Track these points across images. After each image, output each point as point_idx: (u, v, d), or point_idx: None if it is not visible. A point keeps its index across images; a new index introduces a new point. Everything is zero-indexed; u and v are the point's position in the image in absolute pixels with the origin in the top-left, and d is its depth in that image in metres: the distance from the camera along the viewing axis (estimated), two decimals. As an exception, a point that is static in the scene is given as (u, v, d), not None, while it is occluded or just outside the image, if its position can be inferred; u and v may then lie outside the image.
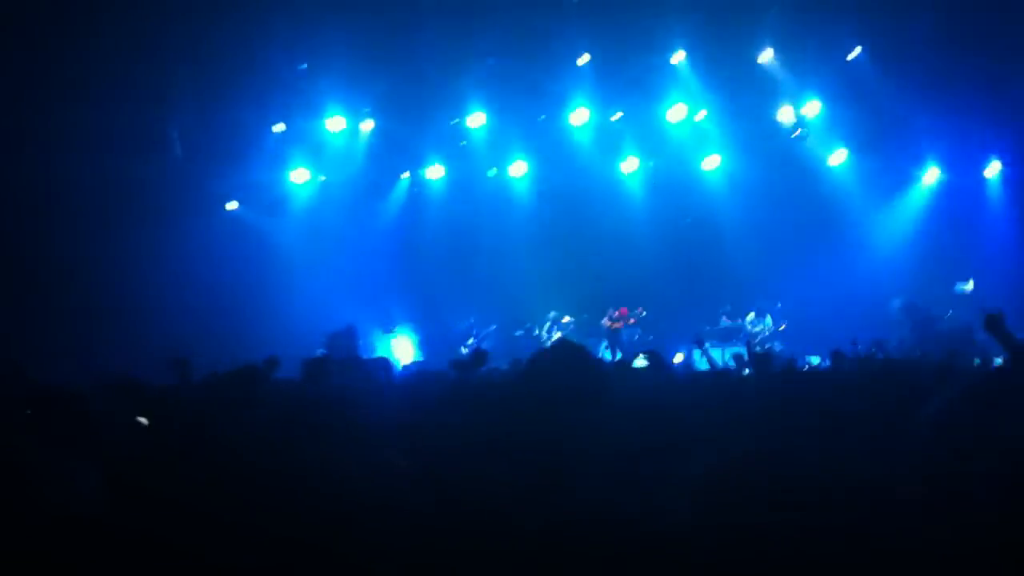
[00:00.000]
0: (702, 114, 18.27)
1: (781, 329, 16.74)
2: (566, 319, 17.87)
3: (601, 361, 2.96)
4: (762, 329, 16.80)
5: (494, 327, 17.90)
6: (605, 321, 17.65)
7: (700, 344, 9.93)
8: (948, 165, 18.05)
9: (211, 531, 2.32)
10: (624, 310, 17.66)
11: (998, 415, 3.07)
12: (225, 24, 15.60)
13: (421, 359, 16.11)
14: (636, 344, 16.21)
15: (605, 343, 17.09)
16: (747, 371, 7.86)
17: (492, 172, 19.19)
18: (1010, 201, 17.68)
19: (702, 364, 12.00)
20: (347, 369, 7.04)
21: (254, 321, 15.79)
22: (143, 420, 4.58)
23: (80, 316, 14.79)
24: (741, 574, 2.10)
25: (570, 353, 3.09)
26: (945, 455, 2.92)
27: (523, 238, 18.55)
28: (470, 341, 17.35)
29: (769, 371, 6.32)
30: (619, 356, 12.90)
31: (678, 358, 15.72)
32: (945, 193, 18.05)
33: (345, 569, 2.33)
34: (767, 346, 14.19)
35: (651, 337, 17.14)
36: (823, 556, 2.11)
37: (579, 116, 18.33)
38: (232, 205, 18.03)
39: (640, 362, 5.93)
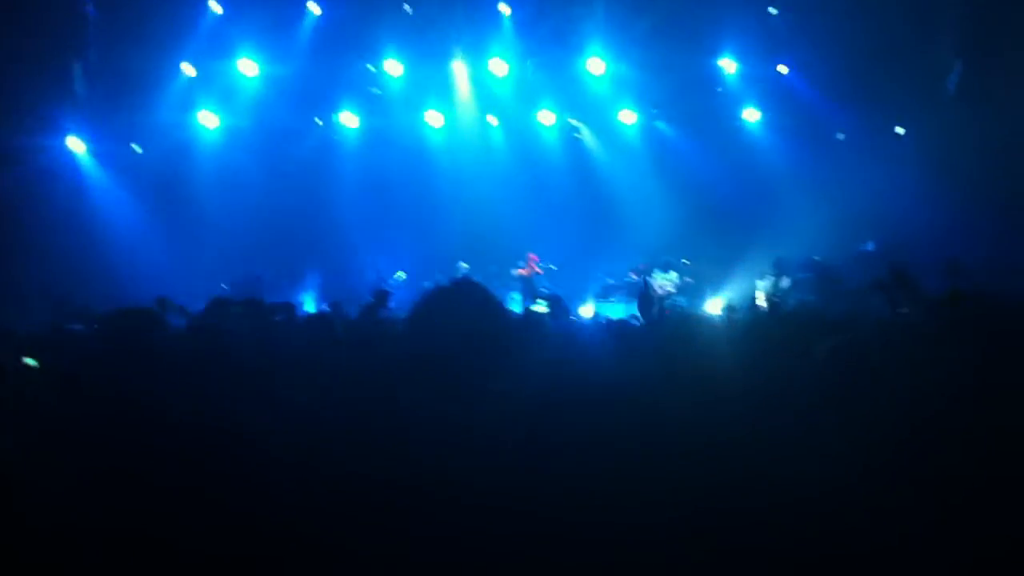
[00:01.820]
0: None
1: (688, 281, 16.88)
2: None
3: (502, 304, 2.78)
4: (667, 282, 16.90)
5: (402, 275, 17.70)
6: (517, 270, 17.66)
7: (604, 297, 10.01)
8: (856, 127, 18.32)
9: (110, 478, 2.25)
10: (534, 256, 17.70)
11: (899, 363, 3.07)
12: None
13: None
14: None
15: (517, 292, 17.10)
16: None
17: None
18: (915, 164, 18.05)
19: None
20: (249, 311, 6.87)
21: (158, 267, 15.46)
22: (30, 362, 4.45)
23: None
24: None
25: (470, 293, 2.86)
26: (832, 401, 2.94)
27: (437, 188, 18.44)
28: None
29: (658, 319, 6.37)
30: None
31: (587, 311, 15.82)
32: (852, 155, 18.31)
33: (250, 502, 2.28)
34: (669, 300, 14.31)
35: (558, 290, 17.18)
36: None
37: (497, 66, 18.16)
38: (136, 147, 17.53)
39: (540, 308, 5.92)
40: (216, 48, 17.35)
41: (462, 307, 2.81)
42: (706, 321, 4.91)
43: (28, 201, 15.49)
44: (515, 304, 15.83)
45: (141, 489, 2.25)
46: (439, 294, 2.91)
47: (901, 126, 18.37)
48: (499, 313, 2.92)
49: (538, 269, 17.65)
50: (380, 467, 2.29)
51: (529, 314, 6.23)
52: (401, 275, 17.71)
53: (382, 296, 5.40)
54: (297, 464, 2.43)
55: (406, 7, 17.06)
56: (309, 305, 16.54)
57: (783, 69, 18.28)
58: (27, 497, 2.17)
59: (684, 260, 17.38)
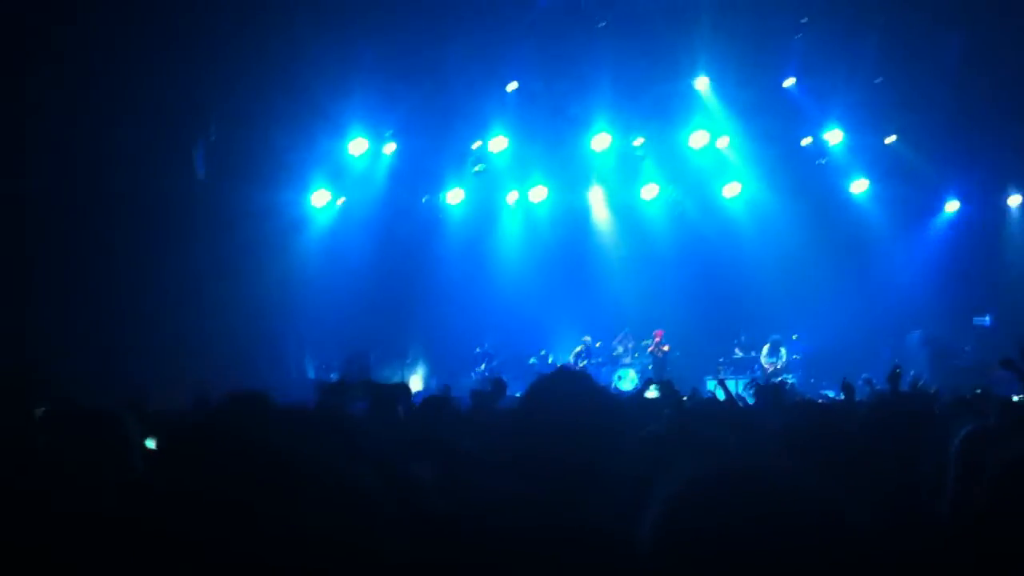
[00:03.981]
0: (724, 140, 18.23)
1: (795, 358, 16.62)
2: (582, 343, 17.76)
3: (606, 389, 2.77)
4: (776, 361, 16.71)
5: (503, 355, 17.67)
6: (651, 346, 17.54)
7: (716, 376, 9.88)
8: (968, 195, 17.93)
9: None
10: (659, 333, 17.61)
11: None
12: (250, 40, 15.68)
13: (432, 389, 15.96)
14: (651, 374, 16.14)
15: (626, 369, 17.03)
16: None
17: (511, 196, 19.16)
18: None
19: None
20: (364, 393, 7.00)
21: (272, 346, 15.78)
22: (151, 443, 4.63)
23: (102, 334, 14.86)
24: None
25: (571, 381, 2.84)
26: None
27: (541, 263, 18.55)
28: (482, 367, 17.22)
29: (778, 402, 6.27)
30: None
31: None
32: (965, 224, 17.92)
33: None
34: (780, 379, 14.11)
35: (667, 368, 17.04)
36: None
37: (601, 141, 18.31)
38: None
39: (651, 393, 5.91)
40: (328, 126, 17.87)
41: (569, 397, 2.84)
42: (829, 406, 4.83)
43: (148, 278, 15.92)
44: (623, 383, 15.74)
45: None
46: (543, 385, 2.94)
47: (1018, 194, 17.92)
48: (608, 401, 2.96)
49: (664, 347, 17.51)
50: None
51: (641, 399, 6.22)
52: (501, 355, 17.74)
53: (501, 385, 5.44)
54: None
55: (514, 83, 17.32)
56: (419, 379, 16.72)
57: (891, 139, 18.00)
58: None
59: (794, 336, 17.12)
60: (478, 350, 17.69)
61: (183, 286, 16.31)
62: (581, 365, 16.90)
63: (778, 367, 16.47)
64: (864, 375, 10.49)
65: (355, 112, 17.73)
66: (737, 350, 17.17)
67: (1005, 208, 18.14)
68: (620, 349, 17.73)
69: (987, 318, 16.23)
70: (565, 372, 2.98)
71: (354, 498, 2.56)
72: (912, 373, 13.28)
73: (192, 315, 15.90)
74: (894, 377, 6.38)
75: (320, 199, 18.33)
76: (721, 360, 17.23)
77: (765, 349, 16.92)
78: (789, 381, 13.96)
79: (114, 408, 3.69)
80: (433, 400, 5.92)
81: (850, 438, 3.75)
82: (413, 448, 4.13)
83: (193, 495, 3.02)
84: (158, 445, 4.65)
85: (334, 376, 13.39)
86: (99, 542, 2.36)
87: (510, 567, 2.31)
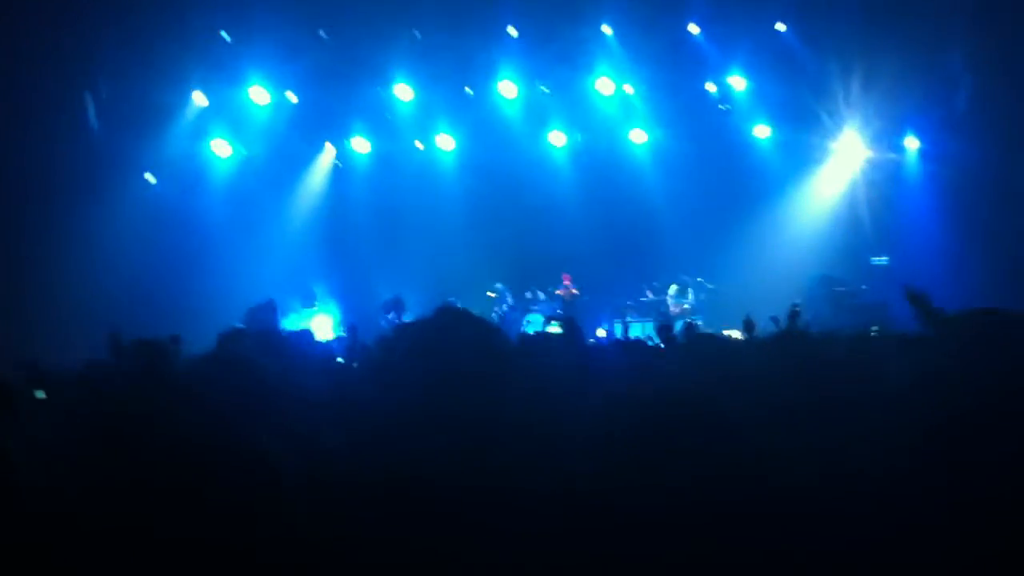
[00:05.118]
0: (629, 88, 18.27)
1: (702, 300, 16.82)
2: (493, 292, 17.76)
3: (495, 328, 2.67)
4: (682, 303, 16.93)
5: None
6: (563, 291, 17.61)
7: (622, 317, 9.97)
8: (868, 140, 18.33)
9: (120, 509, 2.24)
10: (568, 277, 17.69)
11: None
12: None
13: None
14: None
15: (536, 315, 17.06)
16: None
17: (419, 145, 19.00)
18: (928, 177, 18.04)
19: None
20: (265, 342, 6.83)
21: (172, 298, 15.55)
22: (40, 394, 4.48)
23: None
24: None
25: (462, 321, 2.81)
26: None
27: (450, 212, 18.40)
28: (390, 315, 17.11)
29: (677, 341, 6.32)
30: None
31: (600, 333, 15.82)
32: (866, 168, 18.35)
33: (284, 544, 2.26)
34: (688, 320, 14.32)
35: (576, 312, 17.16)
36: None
37: (507, 88, 18.24)
38: (149, 177, 17.64)
39: (555, 329, 5.90)
40: (228, 76, 17.50)
41: (458, 336, 2.77)
42: (728, 341, 4.88)
43: (47, 232, 15.61)
44: (532, 326, 15.79)
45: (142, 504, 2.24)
46: (429, 324, 2.85)
47: (914, 138, 18.41)
48: (497, 337, 2.90)
49: (574, 290, 17.60)
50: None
51: (542, 335, 6.20)
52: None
53: (399, 303, 5.27)
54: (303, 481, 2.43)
55: (415, 33, 17.16)
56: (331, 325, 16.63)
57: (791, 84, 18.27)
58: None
59: (699, 279, 17.36)
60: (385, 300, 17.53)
61: (81, 243, 16.00)
62: (495, 312, 16.98)
63: (685, 308, 16.70)
64: (771, 315, 10.66)
65: (255, 61, 17.38)
66: (649, 293, 17.32)
67: (902, 151, 18.60)
68: (530, 295, 17.80)
69: (885, 258, 16.69)
70: (447, 312, 2.88)
71: (248, 458, 2.48)
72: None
73: (92, 272, 15.64)
74: (793, 314, 6.48)
75: (221, 149, 18.04)
76: (629, 303, 17.42)
77: (672, 290, 17.13)
78: (698, 322, 14.18)
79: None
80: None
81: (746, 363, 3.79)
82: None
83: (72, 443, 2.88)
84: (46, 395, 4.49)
85: (238, 325, 13.16)
86: None
87: (407, 527, 2.24)
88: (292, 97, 17.92)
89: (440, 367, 2.60)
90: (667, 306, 16.85)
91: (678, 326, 12.06)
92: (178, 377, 4.32)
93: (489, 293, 17.74)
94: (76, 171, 16.89)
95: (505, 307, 17.46)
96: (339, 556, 2.20)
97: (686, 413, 2.44)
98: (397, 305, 15.38)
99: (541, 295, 17.78)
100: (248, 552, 2.16)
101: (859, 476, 2.40)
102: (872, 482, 2.38)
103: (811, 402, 3.14)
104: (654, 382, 3.32)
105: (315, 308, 17.63)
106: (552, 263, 18.00)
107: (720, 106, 18.41)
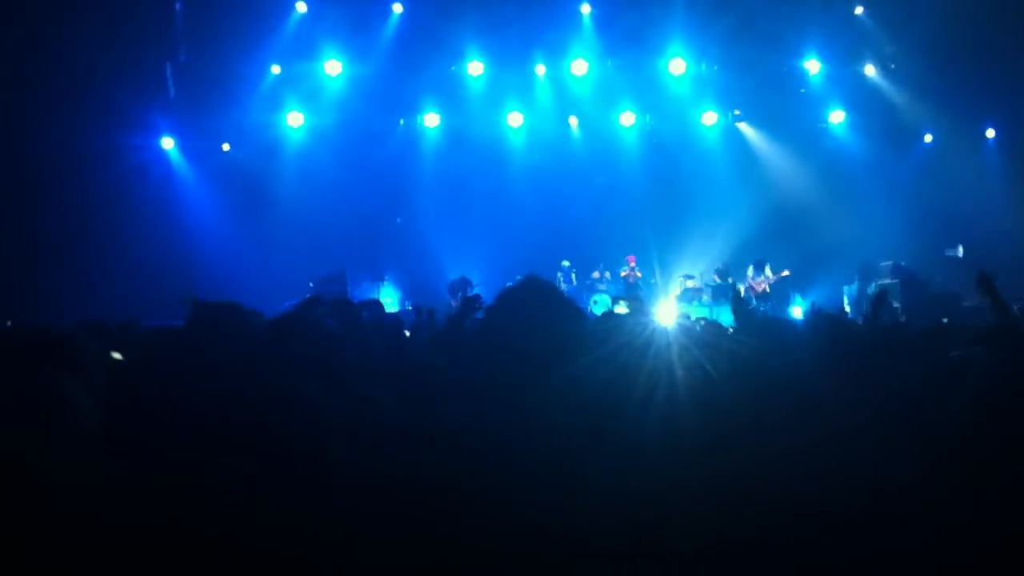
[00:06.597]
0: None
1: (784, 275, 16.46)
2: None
3: (574, 303, 2.69)
4: (762, 279, 16.59)
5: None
6: (627, 272, 17.56)
7: (688, 300, 9.88)
8: (945, 129, 17.96)
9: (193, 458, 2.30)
10: (632, 259, 17.66)
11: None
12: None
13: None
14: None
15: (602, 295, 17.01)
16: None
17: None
18: (1005, 168, 17.62)
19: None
20: (340, 309, 6.95)
21: (244, 266, 15.82)
22: (116, 355, 4.59)
23: (72, 260, 14.96)
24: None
25: (543, 291, 2.84)
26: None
27: (517, 191, 18.40)
28: (459, 294, 17.14)
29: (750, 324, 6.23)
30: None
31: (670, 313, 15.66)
32: (940, 157, 17.97)
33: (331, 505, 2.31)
34: (752, 306, 14.04)
35: (641, 293, 17.05)
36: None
37: (578, 67, 18.19)
38: (225, 147, 17.97)
39: (621, 309, 5.88)
40: (302, 48, 17.71)
41: (537, 306, 2.79)
42: (794, 325, 4.81)
43: (121, 199, 16.03)
44: (599, 307, 15.73)
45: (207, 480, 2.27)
46: (512, 294, 2.88)
47: (992, 128, 17.99)
48: (573, 312, 2.91)
49: (638, 272, 17.56)
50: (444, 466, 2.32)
51: (610, 315, 6.19)
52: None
53: (472, 301, 5.29)
54: (371, 457, 2.47)
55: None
56: (392, 301, 16.79)
57: (870, 70, 18.02)
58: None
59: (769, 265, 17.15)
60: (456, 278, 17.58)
61: (153, 210, 16.42)
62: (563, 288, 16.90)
63: (767, 283, 16.40)
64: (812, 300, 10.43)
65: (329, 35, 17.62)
66: (715, 277, 17.09)
67: (981, 140, 18.19)
68: (596, 275, 17.75)
69: (959, 249, 16.32)
70: (532, 281, 2.88)
71: (303, 410, 2.53)
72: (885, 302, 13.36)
73: (162, 239, 16.04)
74: (878, 301, 6.29)
75: (294, 120, 18.25)
76: (693, 284, 17.27)
77: (750, 271, 16.84)
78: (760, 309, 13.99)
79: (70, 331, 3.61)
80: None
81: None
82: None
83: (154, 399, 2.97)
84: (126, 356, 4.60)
85: (311, 292, 13.43)
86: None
87: (460, 482, 2.25)
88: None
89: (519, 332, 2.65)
90: (748, 284, 16.55)
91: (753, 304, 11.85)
92: (252, 336, 4.41)
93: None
94: (154, 139, 17.33)
95: (566, 286, 17.41)
96: (376, 527, 2.21)
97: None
98: (464, 286, 15.49)
99: (603, 274, 17.73)
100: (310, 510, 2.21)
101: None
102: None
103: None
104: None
105: (384, 282, 17.75)
106: (618, 243, 17.92)
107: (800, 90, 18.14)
